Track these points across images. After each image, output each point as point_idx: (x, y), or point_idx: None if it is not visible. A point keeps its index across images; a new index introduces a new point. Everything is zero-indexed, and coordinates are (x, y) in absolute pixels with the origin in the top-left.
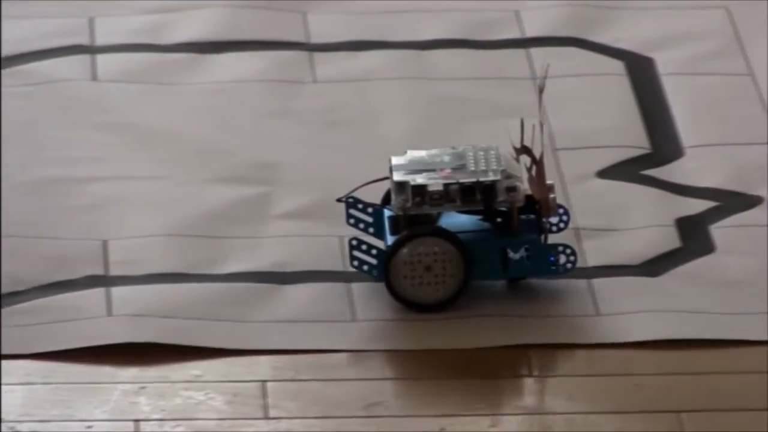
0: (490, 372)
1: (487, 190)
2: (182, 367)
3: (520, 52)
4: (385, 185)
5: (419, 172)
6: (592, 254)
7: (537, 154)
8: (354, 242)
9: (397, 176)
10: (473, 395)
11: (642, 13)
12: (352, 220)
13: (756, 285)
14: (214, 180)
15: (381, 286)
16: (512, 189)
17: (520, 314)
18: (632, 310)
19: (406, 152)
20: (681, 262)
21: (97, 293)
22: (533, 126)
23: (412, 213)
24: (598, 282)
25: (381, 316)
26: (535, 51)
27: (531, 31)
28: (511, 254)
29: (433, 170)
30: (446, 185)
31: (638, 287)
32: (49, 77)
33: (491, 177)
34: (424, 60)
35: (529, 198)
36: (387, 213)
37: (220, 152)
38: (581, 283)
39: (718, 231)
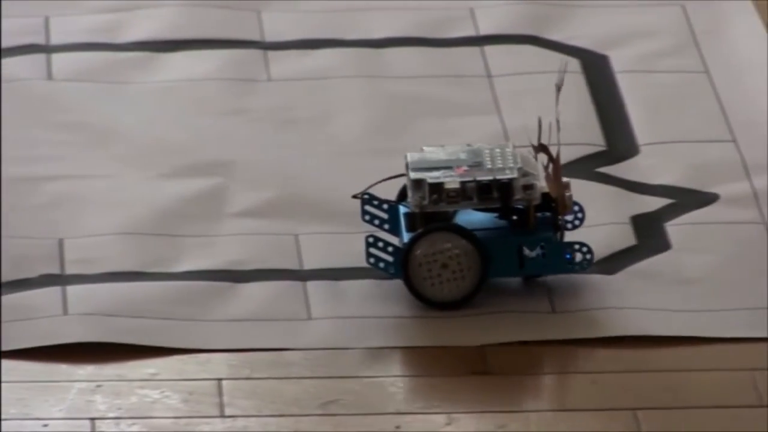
0: (446, 370)
1: (504, 187)
2: (138, 365)
3: (475, 50)
4: (401, 181)
5: (436, 169)
6: None
7: (554, 153)
8: (371, 239)
9: (414, 174)
10: (429, 393)
11: (597, 10)
12: (367, 217)
13: (712, 282)
14: (169, 178)
15: (336, 285)
16: (529, 187)
17: (475, 312)
18: (588, 308)
19: (422, 149)
20: (636, 259)
21: (52, 292)
22: (549, 123)
23: (428, 210)
24: (553, 279)
25: (336, 315)
26: (489, 49)
27: (486, 29)
28: (527, 252)
29: (450, 168)
30: (463, 183)
31: (594, 285)
32: (4, 76)
33: (508, 175)
34: (378, 58)
35: (545, 196)
36: (402, 210)
37: (175, 150)
38: (536, 280)
39: (673, 228)
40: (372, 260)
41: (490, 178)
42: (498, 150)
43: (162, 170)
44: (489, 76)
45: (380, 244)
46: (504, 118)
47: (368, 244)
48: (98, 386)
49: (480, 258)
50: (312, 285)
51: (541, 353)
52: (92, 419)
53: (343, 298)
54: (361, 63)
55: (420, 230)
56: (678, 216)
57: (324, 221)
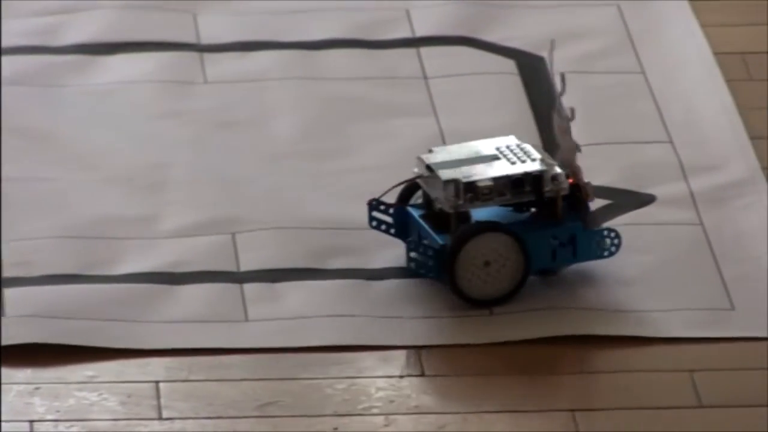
0: (383, 371)
1: (536, 180)
2: (76, 368)
3: (410, 52)
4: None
5: (460, 167)
6: None
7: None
8: (411, 244)
9: (445, 174)
10: (366, 395)
11: (533, 11)
12: (374, 223)
13: (650, 282)
14: (106, 181)
15: (273, 287)
16: (556, 178)
17: (414, 315)
18: (526, 309)
19: (431, 150)
20: (576, 260)
21: None
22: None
23: (462, 210)
24: None
25: (273, 316)
26: (425, 50)
27: (421, 31)
28: (558, 243)
29: (473, 165)
30: (495, 179)
31: (532, 285)
32: None
33: (538, 167)
34: (314, 60)
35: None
36: (416, 212)
37: (113, 153)
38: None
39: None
40: (413, 265)
41: (522, 172)
42: (506, 144)
43: (100, 173)
44: (425, 77)
45: (421, 249)
46: (440, 120)
47: (410, 249)
48: (37, 388)
49: (523, 254)
50: (249, 287)
51: (480, 355)
52: (31, 421)
53: (280, 300)
54: (297, 65)
55: (463, 230)
56: (615, 217)
57: (261, 223)
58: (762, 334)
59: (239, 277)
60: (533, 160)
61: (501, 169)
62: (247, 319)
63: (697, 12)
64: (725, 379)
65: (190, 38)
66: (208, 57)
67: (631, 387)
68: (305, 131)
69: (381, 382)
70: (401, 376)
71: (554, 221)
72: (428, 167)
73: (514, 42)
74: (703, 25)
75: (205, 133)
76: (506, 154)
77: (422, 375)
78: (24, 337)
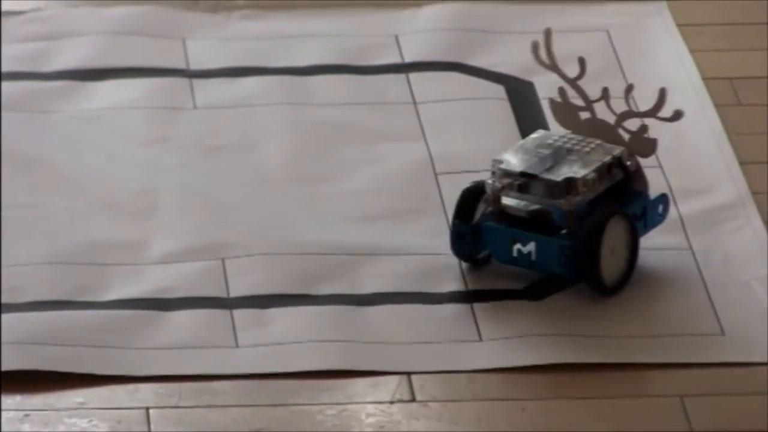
0: (373, 397)
1: (620, 162)
2: (66, 394)
3: (400, 77)
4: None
5: (555, 167)
6: (474, 279)
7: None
8: (566, 251)
9: (559, 176)
10: (357, 420)
11: (522, 37)
12: (458, 246)
13: (637, 308)
14: (94, 207)
15: (263, 313)
16: (628, 157)
17: (402, 341)
18: (515, 335)
19: (501, 161)
20: (564, 286)
21: None
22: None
23: (581, 205)
24: (479, 306)
25: (263, 342)
26: (414, 76)
27: (410, 56)
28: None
29: (560, 162)
30: (596, 170)
31: (521, 311)
32: None
33: (615, 150)
34: (303, 85)
35: None
36: (490, 223)
37: (101, 179)
38: (463, 308)
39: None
40: (563, 268)
41: (610, 157)
42: (552, 139)
43: (88, 199)
44: (414, 102)
45: (549, 248)
46: (429, 145)
47: (562, 252)
48: (26, 415)
49: (633, 233)
50: (238, 313)
51: (468, 380)
52: None
53: (270, 326)
54: (286, 90)
55: (596, 221)
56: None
57: (250, 248)
58: (752, 358)
59: (229, 303)
60: (598, 145)
61: (592, 158)
62: (237, 345)
63: (685, 37)
64: (716, 404)
65: (179, 64)
66: (198, 83)
67: (622, 412)
68: (295, 156)
69: (371, 408)
70: (391, 402)
71: (622, 198)
72: (523, 174)
73: (503, 67)
74: (692, 50)
75: (194, 158)
76: (570, 144)
77: (413, 400)
78: (13, 363)
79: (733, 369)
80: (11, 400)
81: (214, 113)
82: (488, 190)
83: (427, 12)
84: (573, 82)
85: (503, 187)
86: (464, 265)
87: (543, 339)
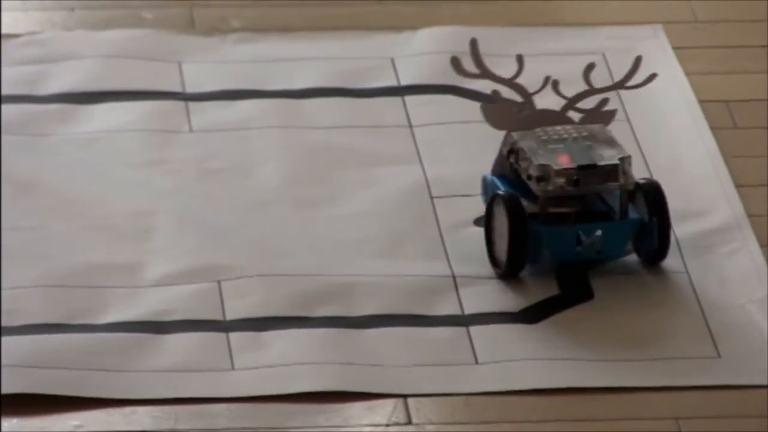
0: (369, 419)
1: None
2: (62, 417)
3: (396, 100)
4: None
5: (592, 155)
6: (469, 302)
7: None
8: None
9: (613, 159)
10: None
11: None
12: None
13: (633, 332)
14: (90, 230)
15: (259, 335)
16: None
17: (399, 364)
18: (511, 358)
19: (547, 164)
20: (559, 309)
21: None
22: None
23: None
24: (475, 329)
25: (259, 365)
26: (410, 99)
27: (406, 79)
28: None
29: (592, 147)
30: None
31: (517, 335)
32: None
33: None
34: (299, 108)
35: None
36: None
37: (97, 202)
38: (459, 331)
39: (596, 278)
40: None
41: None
42: (543, 136)
43: (84, 222)
44: (410, 125)
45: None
46: (425, 168)
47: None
48: None
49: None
50: (235, 336)
51: (464, 403)
52: None
53: (267, 348)
54: (281, 113)
55: (656, 191)
56: (600, 265)
57: (246, 271)
58: (748, 381)
59: (225, 326)
60: (576, 128)
61: (603, 139)
62: (233, 368)
63: (681, 60)
64: (712, 427)
65: (175, 87)
66: (193, 106)
67: None
68: (290, 179)
69: (368, 431)
70: (388, 425)
71: None
72: (580, 167)
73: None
74: (688, 73)
75: (190, 181)
76: (564, 136)
77: (409, 423)
78: (9, 387)
79: (729, 392)
80: (8, 423)
81: (210, 136)
82: (540, 193)
83: (423, 35)
84: (509, 82)
85: (561, 186)
86: (461, 288)
87: (539, 362)
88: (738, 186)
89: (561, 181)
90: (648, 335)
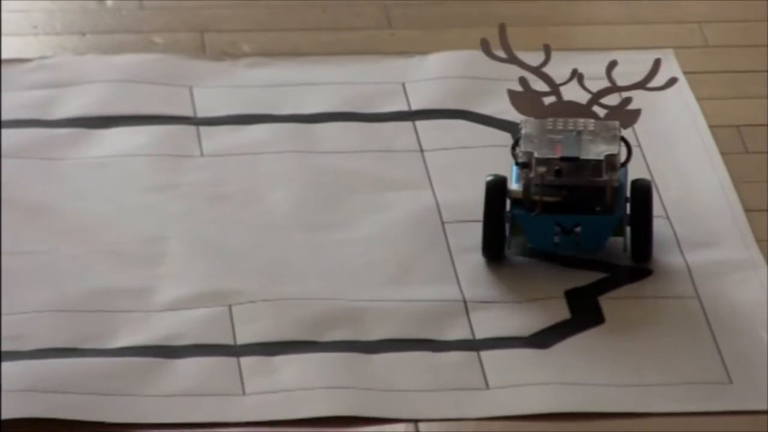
0: None
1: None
2: None
3: (406, 125)
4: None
5: (583, 148)
6: (480, 326)
7: None
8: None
9: (599, 155)
10: None
11: None
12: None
13: (646, 356)
14: (101, 254)
15: (270, 360)
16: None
17: (410, 389)
18: (522, 383)
19: (530, 152)
20: (570, 333)
21: None
22: None
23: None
24: (486, 354)
25: (270, 389)
26: (421, 123)
27: (417, 104)
28: None
29: (579, 143)
30: (618, 146)
31: (528, 359)
32: None
33: (615, 124)
34: (310, 133)
35: None
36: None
37: (108, 226)
38: (470, 356)
39: (607, 302)
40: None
41: (617, 131)
42: (548, 126)
43: (94, 246)
44: (421, 150)
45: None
46: (436, 193)
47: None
48: None
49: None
50: (246, 360)
51: (476, 428)
52: None
53: (277, 373)
54: (293, 138)
55: (643, 191)
56: (611, 290)
57: (257, 295)
58: (760, 407)
59: (236, 351)
60: (585, 122)
61: (604, 135)
62: (244, 393)
63: (692, 85)
64: None
65: (186, 111)
66: (205, 130)
67: None
68: (301, 204)
69: None
70: None
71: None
72: (563, 158)
73: (509, 115)
74: (699, 98)
75: (201, 205)
76: (569, 128)
77: None
78: (19, 411)
79: (740, 417)
80: None
81: (221, 161)
82: (522, 179)
83: (434, 60)
84: (537, 70)
85: (542, 175)
86: (472, 312)
87: (550, 387)
88: (748, 211)
89: (542, 169)
90: (660, 360)
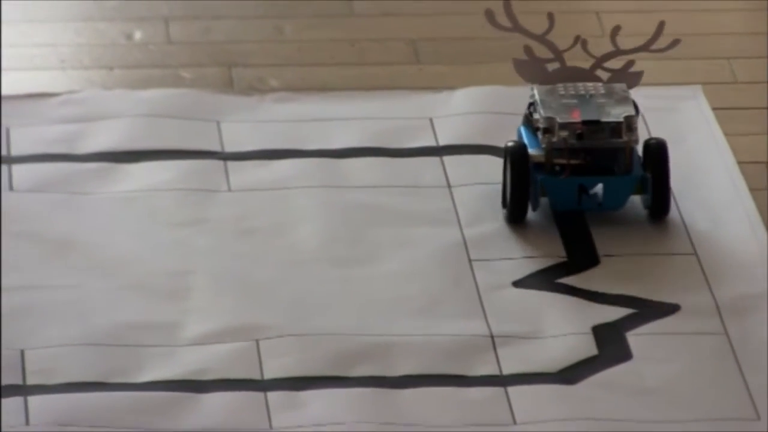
0: None
1: None
2: None
3: (434, 160)
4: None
5: (601, 111)
6: (508, 362)
7: None
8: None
9: (619, 117)
10: None
11: None
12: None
13: (673, 392)
14: (128, 288)
15: (297, 395)
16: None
17: (433, 424)
18: (549, 419)
19: (552, 117)
20: (598, 369)
21: (14, 402)
22: None
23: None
24: (514, 390)
25: (297, 424)
26: (448, 159)
27: (444, 139)
28: None
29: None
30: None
31: (555, 395)
32: None
33: (622, 87)
34: (338, 168)
35: None
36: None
37: (135, 261)
38: (497, 391)
39: (634, 338)
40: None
41: (627, 92)
42: (560, 91)
43: (122, 280)
44: (448, 186)
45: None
46: (463, 229)
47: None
48: None
49: None
50: (273, 395)
51: None
52: None
53: (304, 408)
54: (320, 173)
55: (659, 150)
56: (639, 326)
57: (284, 330)
58: None
59: (263, 385)
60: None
61: (618, 97)
62: (271, 428)
63: (720, 120)
64: None
65: (213, 146)
66: (232, 165)
67: None
68: (328, 239)
69: None
70: None
71: None
72: (584, 122)
73: None
74: (727, 134)
75: (228, 240)
76: (581, 92)
77: None
78: None
79: None
80: None
81: (249, 195)
82: (544, 144)
83: (461, 95)
84: (541, 38)
85: (565, 139)
86: (500, 348)
87: (577, 423)
88: None
89: (564, 134)
90: (687, 396)
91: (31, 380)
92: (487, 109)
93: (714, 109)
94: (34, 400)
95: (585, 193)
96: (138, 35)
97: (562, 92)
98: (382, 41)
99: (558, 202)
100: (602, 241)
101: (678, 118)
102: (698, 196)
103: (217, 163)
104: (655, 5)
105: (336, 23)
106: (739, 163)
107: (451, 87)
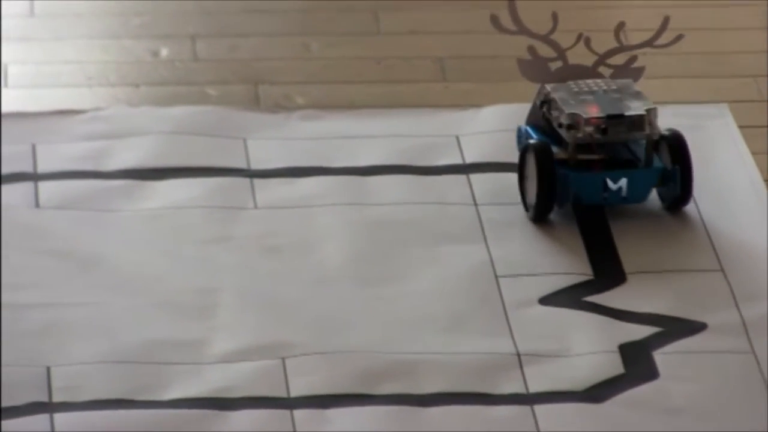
0: None
1: None
2: None
3: (460, 178)
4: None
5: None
6: (534, 380)
7: None
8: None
9: (640, 110)
10: None
11: None
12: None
13: (700, 411)
14: (154, 306)
15: (323, 413)
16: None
17: None
18: None
19: (575, 113)
20: (624, 388)
21: (40, 420)
22: None
23: None
24: (540, 408)
25: None
26: (475, 177)
27: (471, 157)
28: None
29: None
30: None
31: (581, 413)
32: None
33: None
34: (364, 185)
35: None
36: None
37: (161, 278)
38: (524, 410)
39: (661, 357)
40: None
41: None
42: (575, 88)
43: (148, 298)
44: (475, 204)
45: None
46: (490, 246)
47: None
48: None
49: None
50: (299, 413)
51: None
52: None
53: (330, 425)
54: (346, 190)
55: (678, 140)
56: (666, 344)
57: (310, 348)
58: None
59: (289, 403)
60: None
61: (631, 92)
62: None
63: (747, 139)
64: None
65: (240, 163)
66: (258, 182)
67: None
68: (354, 256)
69: None
70: None
71: None
72: (609, 117)
73: None
74: (754, 152)
75: (255, 257)
76: (594, 89)
77: None
78: None
79: None
80: None
81: (275, 213)
82: (569, 140)
83: (488, 113)
84: (545, 38)
85: (590, 134)
86: (526, 366)
87: None
88: None
89: (590, 129)
90: (714, 415)
91: (57, 397)
92: (513, 126)
93: (741, 127)
94: (59, 418)
95: (608, 188)
96: (164, 52)
97: (575, 89)
98: (409, 59)
99: (584, 197)
100: (628, 257)
101: (705, 136)
102: (725, 213)
103: (244, 181)
104: (680, 22)
105: (363, 41)
106: (766, 180)
107: (478, 105)
